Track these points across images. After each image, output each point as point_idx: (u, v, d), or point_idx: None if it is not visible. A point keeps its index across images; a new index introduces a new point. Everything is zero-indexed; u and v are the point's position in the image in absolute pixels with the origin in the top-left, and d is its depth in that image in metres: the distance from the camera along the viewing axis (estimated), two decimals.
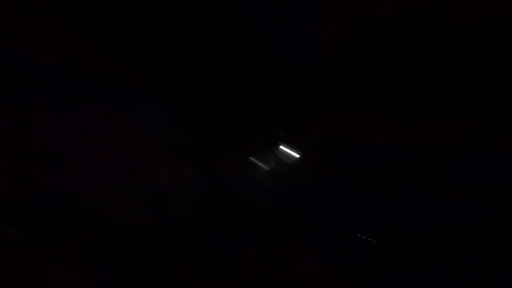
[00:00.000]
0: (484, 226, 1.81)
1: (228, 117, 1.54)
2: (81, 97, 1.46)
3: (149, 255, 1.66)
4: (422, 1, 1.39)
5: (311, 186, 1.86)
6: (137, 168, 1.64)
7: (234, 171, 1.76)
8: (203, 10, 1.34)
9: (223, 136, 1.59)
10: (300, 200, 1.86)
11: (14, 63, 1.39)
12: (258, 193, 1.82)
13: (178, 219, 1.74)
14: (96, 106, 1.46)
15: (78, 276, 1.44)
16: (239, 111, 1.45)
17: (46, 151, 1.61)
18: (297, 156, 1.97)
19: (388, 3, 1.38)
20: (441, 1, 1.38)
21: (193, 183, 1.75)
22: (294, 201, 1.86)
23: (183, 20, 1.37)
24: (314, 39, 1.45)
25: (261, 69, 1.43)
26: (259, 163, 2.03)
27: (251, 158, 1.90)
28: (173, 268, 1.65)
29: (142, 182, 1.67)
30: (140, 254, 1.68)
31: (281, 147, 1.95)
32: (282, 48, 1.45)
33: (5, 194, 1.62)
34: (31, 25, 1.33)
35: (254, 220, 1.61)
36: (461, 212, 1.84)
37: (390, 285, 1.81)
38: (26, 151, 1.58)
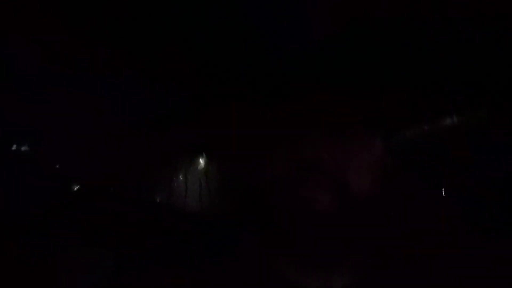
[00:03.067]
0: None
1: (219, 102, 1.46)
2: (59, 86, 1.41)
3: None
4: None
5: None
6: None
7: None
8: None
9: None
10: None
11: None
12: None
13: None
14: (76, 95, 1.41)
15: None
16: (230, 96, 1.38)
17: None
18: None
19: None
20: None
21: None
22: None
23: (164, 3, 1.30)
24: (310, 19, 1.38)
25: (253, 53, 1.36)
26: None
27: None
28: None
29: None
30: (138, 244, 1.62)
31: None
32: (275, 29, 1.39)
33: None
34: (8, 11, 1.28)
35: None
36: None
37: None
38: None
